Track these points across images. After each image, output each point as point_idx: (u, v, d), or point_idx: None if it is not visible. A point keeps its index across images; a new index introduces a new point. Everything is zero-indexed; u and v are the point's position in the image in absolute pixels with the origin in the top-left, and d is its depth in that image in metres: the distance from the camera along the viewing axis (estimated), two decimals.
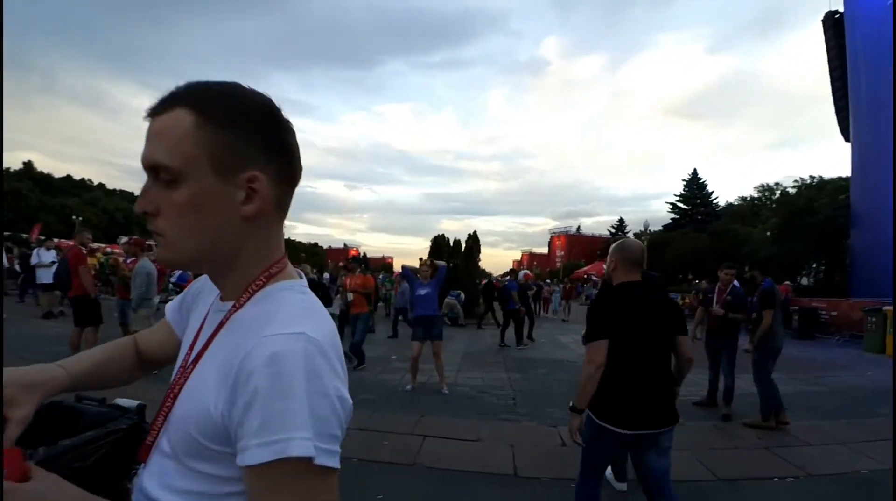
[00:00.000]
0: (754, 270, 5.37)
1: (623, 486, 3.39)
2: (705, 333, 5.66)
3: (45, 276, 9.55)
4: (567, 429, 2.41)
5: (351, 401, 0.61)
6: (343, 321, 8.06)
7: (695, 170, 47.20)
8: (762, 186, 41.89)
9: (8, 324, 8.94)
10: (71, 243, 6.48)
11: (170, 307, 0.91)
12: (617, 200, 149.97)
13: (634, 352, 2.26)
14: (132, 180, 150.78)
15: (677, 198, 46.93)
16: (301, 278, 0.74)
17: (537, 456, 3.99)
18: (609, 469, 3.35)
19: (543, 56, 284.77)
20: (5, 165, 64.49)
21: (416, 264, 6.77)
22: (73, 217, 50.27)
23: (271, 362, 0.55)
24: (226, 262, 0.67)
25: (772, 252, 20.70)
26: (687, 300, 19.69)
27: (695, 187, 46.91)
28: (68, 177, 70.37)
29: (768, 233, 26.57)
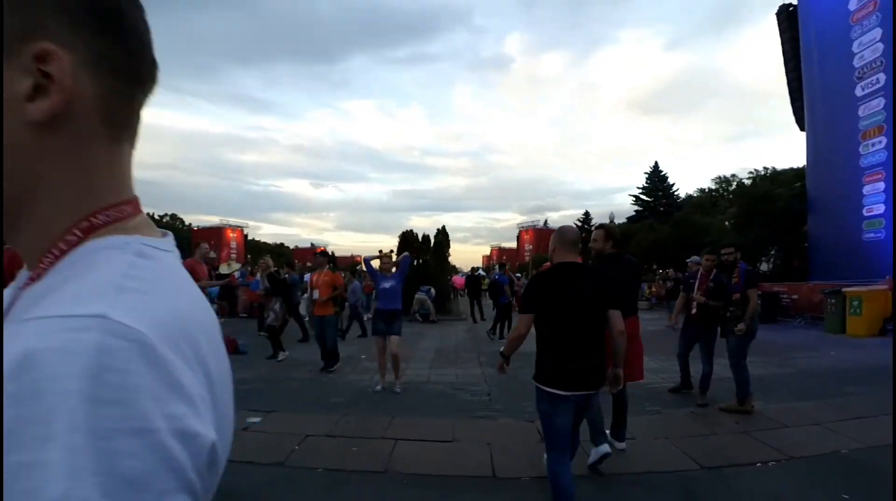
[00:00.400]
0: (737, 252, 5.23)
1: (622, 445, 3.82)
2: (684, 320, 5.56)
3: None
4: None
5: (213, 437, 0.34)
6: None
7: (656, 163, 48.37)
8: (719, 177, 43.48)
9: None
10: None
11: None
12: (582, 194, 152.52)
13: (566, 324, 2.58)
14: None
15: (640, 191, 48.05)
16: (165, 236, 0.46)
17: (516, 455, 3.78)
18: (608, 434, 3.69)
19: (507, 53, 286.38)
20: None
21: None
22: None
23: (18, 370, 0.28)
24: (13, 206, 0.39)
25: (732, 240, 21.25)
26: (653, 289, 20.15)
27: (656, 180, 48.16)
28: None
29: (727, 222, 27.43)
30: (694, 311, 5.28)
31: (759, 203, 20.70)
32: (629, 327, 3.46)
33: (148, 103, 0.46)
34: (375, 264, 6.04)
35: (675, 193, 47.95)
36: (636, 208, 46.52)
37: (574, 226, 3.13)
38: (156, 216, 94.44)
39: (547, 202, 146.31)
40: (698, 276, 5.28)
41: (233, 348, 7.97)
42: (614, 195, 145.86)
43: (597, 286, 2.66)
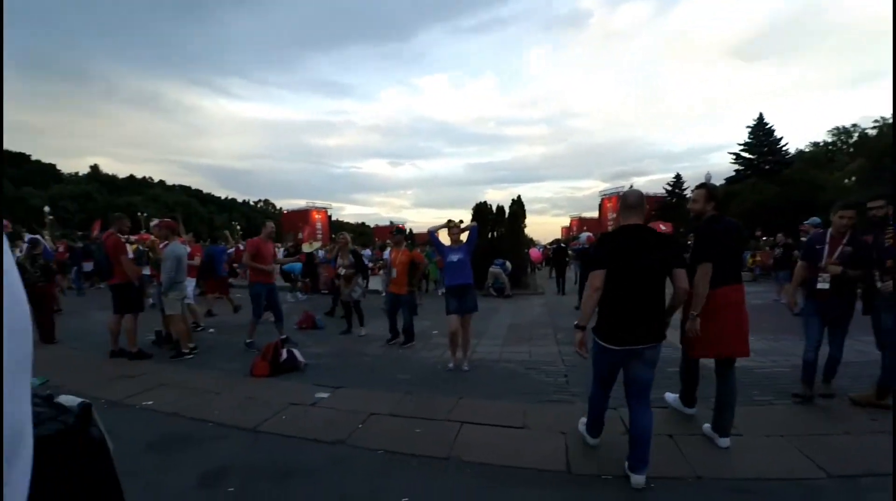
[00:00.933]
0: (888, 207, 4.13)
1: (693, 410, 3.89)
2: (805, 297, 4.31)
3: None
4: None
5: None
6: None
7: (760, 115, 42.78)
8: (837, 129, 37.29)
9: (75, 317, 9.34)
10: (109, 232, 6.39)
11: None
12: (672, 156, 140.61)
13: (623, 282, 2.79)
14: (190, 175, 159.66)
15: (741, 147, 43.01)
16: None
17: (594, 447, 3.37)
18: (678, 396, 3.99)
19: (584, 6, 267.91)
20: (77, 170, 70.02)
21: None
22: (138, 214, 53.96)
23: None
24: None
25: (856, 200, 18.22)
26: (757, 258, 17.86)
27: (761, 135, 42.71)
28: (131, 177, 75.19)
29: (847, 180, 23.49)
30: (825, 285, 4.07)
31: (888, 156, 17.50)
32: (733, 294, 3.38)
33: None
34: (443, 237, 5.73)
35: (784, 148, 42.23)
36: (737, 166, 41.80)
37: (638, 191, 3.08)
38: (251, 202, 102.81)
39: (631, 167, 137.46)
40: (827, 238, 4.16)
41: (311, 323, 8.25)
42: (708, 155, 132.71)
43: (663, 253, 2.82)
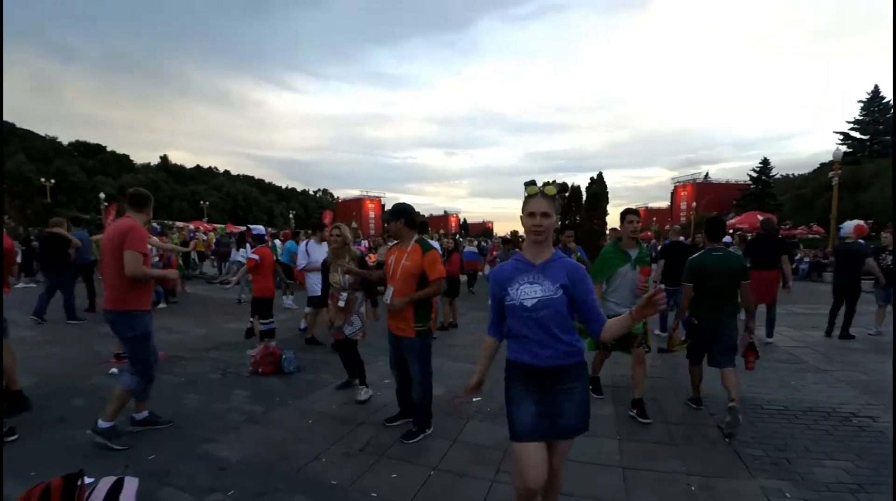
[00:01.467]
0: None
1: None
2: None
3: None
4: None
5: None
6: None
7: (876, 87, 36.52)
8: None
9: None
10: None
11: None
12: (746, 142, 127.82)
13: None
14: (255, 167, 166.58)
15: (851, 126, 36.96)
16: None
17: None
18: None
19: None
20: (149, 161, 73.92)
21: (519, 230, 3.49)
22: (201, 202, 55.81)
23: None
24: None
25: None
26: None
27: (875, 111, 36.47)
28: (197, 166, 78.22)
29: None
30: None
31: None
32: None
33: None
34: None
35: None
36: (845, 148, 35.78)
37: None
38: (310, 192, 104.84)
39: (701, 155, 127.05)
40: None
41: (272, 364, 6.09)
42: (788, 141, 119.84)
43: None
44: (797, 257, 16.30)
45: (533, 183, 1.96)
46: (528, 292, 1.83)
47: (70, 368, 4.78)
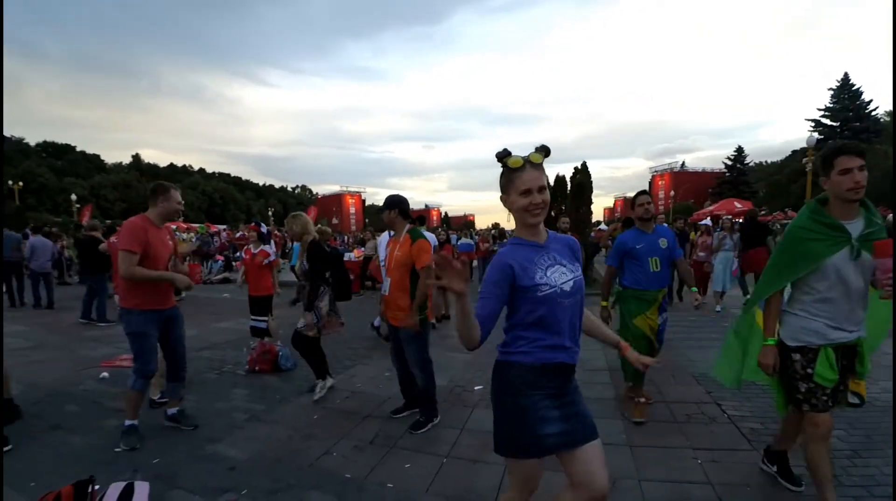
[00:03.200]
0: None
1: None
2: None
3: None
4: None
5: None
6: None
7: (846, 75, 37.67)
8: None
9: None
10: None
11: None
12: (721, 132, 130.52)
13: None
14: (230, 164, 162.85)
15: (822, 113, 38.07)
16: None
17: None
18: None
19: None
20: (121, 160, 71.54)
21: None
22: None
23: None
24: None
25: None
26: None
27: (845, 98, 37.58)
28: (171, 165, 76.14)
29: None
30: None
31: None
32: None
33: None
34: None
35: (873, 112, 36.97)
36: (817, 135, 36.75)
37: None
38: (288, 188, 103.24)
39: (677, 144, 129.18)
40: None
41: (270, 362, 6.06)
42: (761, 130, 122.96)
43: None
44: (777, 240, 16.87)
45: (508, 153, 1.53)
46: (560, 276, 1.53)
47: (58, 374, 4.64)
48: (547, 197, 1.53)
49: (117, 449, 2.97)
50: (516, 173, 1.51)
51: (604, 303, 3.49)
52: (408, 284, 3.24)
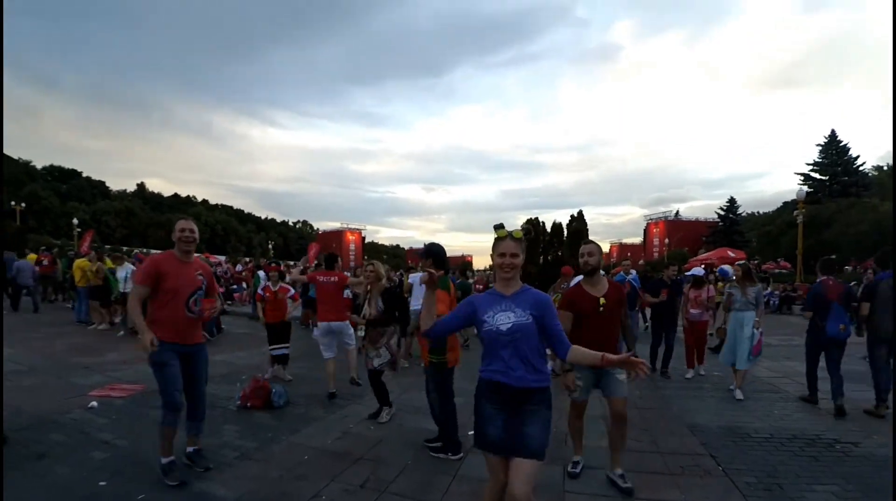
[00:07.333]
0: None
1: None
2: None
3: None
4: None
5: None
6: None
7: (833, 132, 39.00)
8: None
9: None
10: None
11: None
12: (712, 182, 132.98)
13: None
14: (234, 197, 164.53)
15: (811, 167, 39.19)
16: None
17: None
18: None
19: (613, 41, 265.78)
20: (125, 188, 72.47)
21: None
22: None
23: None
24: None
25: None
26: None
27: (833, 153, 38.79)
28: (175, 195, 77.07)
29: None
30: None
31: None
32: None
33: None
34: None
35: (860, 167, 38.08)
36: (807, 188, 37.67)
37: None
38: (289, 223, 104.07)
39: (671, 193, 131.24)
40: None
41: (262, 398, 5.31)
42: (750, 181, 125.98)
43: None
44: (767, 291, 16.93)
45: (501, 226, 2.10)
46: (503, 319, 2.00)
47: (46, 401, 4.57)
48: (517, 261, 2.05)
49: (102, 483, 2.93)
50: (500, 241, 2.07)
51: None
52: None
